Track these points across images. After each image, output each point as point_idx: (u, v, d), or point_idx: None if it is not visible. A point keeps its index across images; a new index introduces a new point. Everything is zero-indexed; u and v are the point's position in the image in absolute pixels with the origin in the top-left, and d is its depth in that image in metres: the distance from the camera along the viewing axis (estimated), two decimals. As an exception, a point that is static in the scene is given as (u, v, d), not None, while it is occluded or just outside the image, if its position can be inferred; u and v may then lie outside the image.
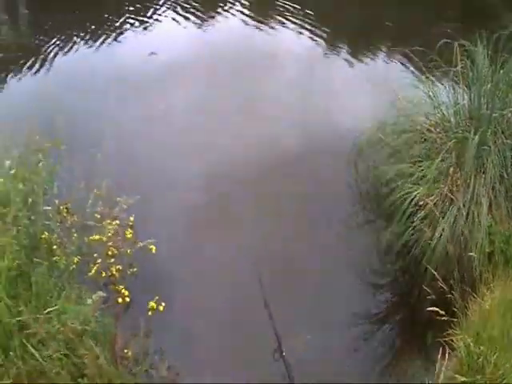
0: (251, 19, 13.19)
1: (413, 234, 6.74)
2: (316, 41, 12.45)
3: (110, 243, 6.67)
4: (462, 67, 7.38)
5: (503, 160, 6.88)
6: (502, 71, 7.20)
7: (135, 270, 6.79)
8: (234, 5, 13.96)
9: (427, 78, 7.93)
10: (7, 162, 6.43)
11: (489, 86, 7.16)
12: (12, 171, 6.37)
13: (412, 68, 10.06)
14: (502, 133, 7.08)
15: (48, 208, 6.47)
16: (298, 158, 9.01)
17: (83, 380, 5.12)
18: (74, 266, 6.28)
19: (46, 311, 5.40)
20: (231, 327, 6.61)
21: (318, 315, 6.78)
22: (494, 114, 6.98)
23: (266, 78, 10.96)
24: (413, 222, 6.72)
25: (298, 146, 9.22)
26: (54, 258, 6.08)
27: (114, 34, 12.80)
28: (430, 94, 7.80)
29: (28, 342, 5.16)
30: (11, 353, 5.05)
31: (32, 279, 5.63)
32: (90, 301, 5.79)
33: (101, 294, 5.96)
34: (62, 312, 5.45)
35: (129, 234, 6.96)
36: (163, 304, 6.29)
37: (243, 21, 13.21)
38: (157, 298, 6.33)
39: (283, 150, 9.15)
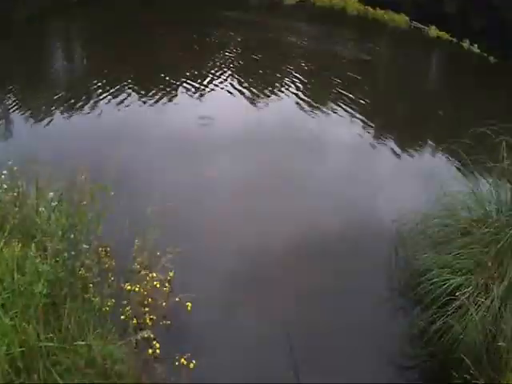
0: (304, 102, 13.29)
1: (444, 322, 6.69)
2: (366, 129, 12.46)
3: (146, 293, 6.79)
4: (507, 164, 7.50)
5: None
6: None
7: (168, 322, 6.82)
8: (289, 86, 14.15)
9: (472, 173, 8.14)
10: (50, 194, 6.68)
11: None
12: (55, 203, 6.56)
13: (457, 162, 10.04)
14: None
15: (87, 247, 6.58)
16: (342, 240, 9.13)
17: None
18: (107, 308, 6.29)
19: (75, 343, 5.35)
20: None
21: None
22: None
23: (314, 162, 11.28)
24: (447, 311, 6.72)
25: (342, 231, 9.33)
26: (88, 295, 6.13)
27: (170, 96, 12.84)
28: (474, 189, 8.01)
29: (54, 368, 5.12)
30: (35, 375, 5.03)
31: (65, 311, 5.63)
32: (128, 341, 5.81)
33: (147, 332, 6.05)
34: (92, 348, 5.39)
35: (166, 288, 7.07)
36: (194, 361, 6.27)
37: (297, 103, 13.34)
38: (188, 354, 6.32)
39: (328, 233, 9.27)
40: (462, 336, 6.46)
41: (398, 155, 11.64)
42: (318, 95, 14.08)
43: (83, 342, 5.45)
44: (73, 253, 6.30)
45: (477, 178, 8.19)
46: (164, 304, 6.88)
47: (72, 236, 6.40)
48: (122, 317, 6.44)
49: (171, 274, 7.30)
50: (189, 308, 6.83)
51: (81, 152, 9.38)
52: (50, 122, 11.65)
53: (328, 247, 8.90)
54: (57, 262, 5.91)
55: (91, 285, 6.27)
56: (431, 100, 14.41)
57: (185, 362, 6.30)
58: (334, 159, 11.24)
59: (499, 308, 6.47)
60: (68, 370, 5.19)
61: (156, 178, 9.76)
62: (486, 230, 7.31)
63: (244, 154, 11.14)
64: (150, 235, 7.00)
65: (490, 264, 6.87)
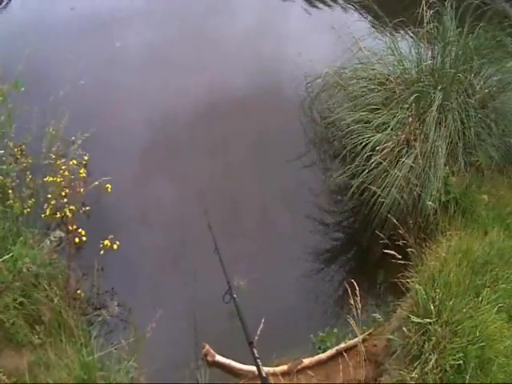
0: None
1: (367, 177, 6.88)
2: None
3: (64, 183, 6.69)
4: (428, 26, 7.41)
5: (464, 117, 7.07)
6: (470, 36, 7.36)
7: (88, 208, 6.90)
8: None
9: (390, 31, 8.03)
10: None
11: (453, 46, 7.33)
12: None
13: (374, 19, 9.75)
14: (464, 91, 7.27)
15: (2, 152, 6.45)
16: (252, 96, 8.96)
17: (40, 327, 5.22)
18: (29, 210, 6.28)
19: (2, 259, 5.29)
20: (178, 266, 6.84)
21: (266, 252, 7.08)
22: (457, 75, 7.16)
23: (223, 20, 10.60)
24: (367, 166, 6.87)
25: (251, 86, 9.11)
26: (9, 202, 6.12)
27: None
28: (393, 46, 7.86)
29: None
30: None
31: None
32: (47, 243, 5.97)
33: (59, 233, 5.97)
34: (19, 258, 5.51)
35: (82, 173, 6.94)
36: (117, 242, 6.41)
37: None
38: (111, 236, 6.42)
39: (236, 88, 9.09)
40: (384, 192, 6.56)
41: (306, 10, 11.11)
42: None
43: (8, 255, 5.30)
44: None
45: (395, 37, 8.04)
46: (82, 190, 6.78)
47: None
48: (44, 215, 6.45)
49: (86, 158, 7.26)
50: (108, 190, 6.81)
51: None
52: None
53: (240, 104, 8.82)
54: None
55: (10, 190, 6.22)
56: None
57: (109, 244, 6.42)
58: (242, 16, 10.67)
59: (424, 166, 6.60)
60: (-2, 290, 5.09)
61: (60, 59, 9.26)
62: (406, 87, 7.35)
63: (150, 21, 10.55)
64: (62, 122, 6.88)
65: (410, 120, 6.93)
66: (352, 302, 5.44)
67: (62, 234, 6.19)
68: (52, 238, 5.97)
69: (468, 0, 7.39)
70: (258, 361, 4.33)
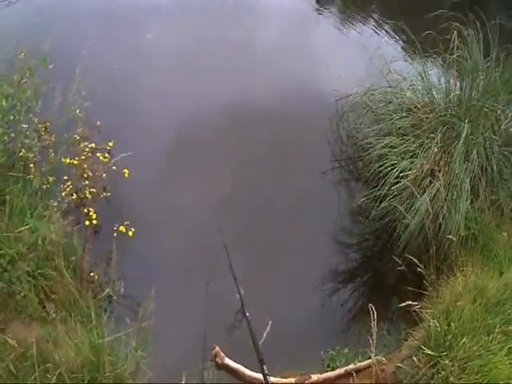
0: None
1: (389, 203, 6.72)
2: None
3: (85, 166, 6.78)
4: (457, 55, 7.46)
5: (489, 154, 7.05)
6: (497, 69, 7.34)
7: (108, 194, 6.92)
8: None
9: (420, 56, 8.00)
10: None
11: (481, 80, 7.29)
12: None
13: (405, 43, 9.76)
14: (490, 127, 7.26)
15: (26, 126, 6.41)
16: (278, 108, 8.88)
17: (51, 303, 5.28)
18: (49, 186, 6.32)
19: (18, 230, 5.48)
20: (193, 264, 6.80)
21: (282, 265, 6.95)
22: (484, 109, 7.17)
23: (253, 30, 10.60)
24: (391, 191, 6.72)
25: (279, 97, 9.00)
26: (29, 177, 6.14)
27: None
28: (422, 73, 7.89)
29: None
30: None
31: (6, 197, 5.67)
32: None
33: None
34: (34, 231, 5.51)
35: (104, 157, 7.05)
36: (132, 229, 6.49)
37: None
38: (127, 222, 6.51)
39: (264, 98, 8.95)
40: (406, 220, 6.53)
41: (339, 29, 11.11)
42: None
43: (24, 227, 5.29)
44: (12, 135, 6.22)
45: (425, 63, 8.01)
46: (104, 175, 6.94)
47: (11, 118, 6.21)
48: (63, 193, 6.45)
49: (111, 143, 7.33)
50: (126, 175, 6.91)
51: (17, 31, 8.57)
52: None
53: (267, 117, 8.75)
54: None
55: (32, 165, 6.27)
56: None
57: (124, 230, 6.51)
58: (273, 28, 10.68)
59: (445, 198, 6.59)
60: (12, 261, 4.98)
61: (93, 44, 9.00)
62: (433, 116, 7.33)
63: (178, 19, 10.55)
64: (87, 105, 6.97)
65: (435, 150, 6.91)
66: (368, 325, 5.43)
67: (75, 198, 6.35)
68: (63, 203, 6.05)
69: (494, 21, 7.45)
70: (268, 378, 4.33)
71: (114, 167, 6.86)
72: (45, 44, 6.82)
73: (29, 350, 4.64)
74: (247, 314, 5.10)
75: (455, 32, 7.39)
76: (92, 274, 6.09)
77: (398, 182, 6.76)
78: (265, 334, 5.62)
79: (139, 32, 9.99)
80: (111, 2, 10.67)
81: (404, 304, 5.75)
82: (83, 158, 6.73)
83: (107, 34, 9.73)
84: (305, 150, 8.41)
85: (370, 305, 5.66)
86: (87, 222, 6.41)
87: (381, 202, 6.82)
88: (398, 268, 6.17)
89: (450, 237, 6.33)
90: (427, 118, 7.36)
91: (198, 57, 9.65)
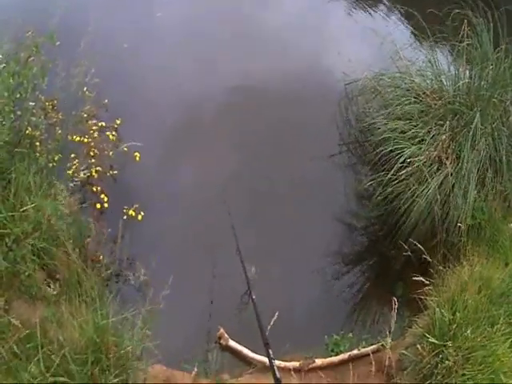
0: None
1: (396, 187, 6.70)
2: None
3: (93, 144, 6.88)
4: (467, 43, 7.38)
5: (498, 144, 7.01)
6: (506, 60, 7.24)
7: (115, 172, 7.00)
8: None
9: (430, 43, 7.92)
10: None
11: (490, 70, 7.25)
12: (1, 66, 6.14)
13: (415, 30, 9.68)
14: (499, 117, 7.20)
15: (32, 104, 6.34)
16: (288, 89, 8.83)
17: (55, 283, 5.25)
18: (55, 164, 6.34)
19: (23, 209, 5.42)
20: (198, 246, 6.82)
21: (288, 248, 6.97)
22: (493, 99, 7.11)
23: (264, 8, 10.42)
24: (399, 176, 6.67)
25: (288, 79, 8.93)
26: (35, 154, 6.11)
27: None
28: (432, 60, 7.82)
29: (3, 242, 5.24)
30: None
31: (11, 175, 5.62)
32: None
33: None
34: (40, 209, 5.49)
35: (112, 136, 7.14)
36: (142, 213, 6.60)
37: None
38: (136, 206, 6.59)
39: (273, 79, 8.88)
40: (413, 205, 6.53)
41: (349, 14, 11.02)
42: None
43: (29, 206, 5.27)
44: (19, 113, 6.15)
45: (434, 49, 7.96)
46: (111, 154, 6.99)
47: (18, 96, 6.13)
48: (70, 171, 6.54)
49: (118, 121, 7.42)
50: (137, 158, 7.04)
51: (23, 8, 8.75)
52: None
53: (276, 98, 8.70)
54: (3, 125, 5.79)
55: (38, 143, 6.26)
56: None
57: (133, 214, 6.60)
58: (285, 8, 10.54)
59: (452, 186, 6.59)
60: (17, 240, 5.02)
61: (102, 22, 8.96)
62: (441, 102, 7.28)
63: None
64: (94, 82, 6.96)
65: (443, 137, 6.88)
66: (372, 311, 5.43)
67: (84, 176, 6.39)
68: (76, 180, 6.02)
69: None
70: (273, 362, 4.30)
71: (125, 148, 6.91)
72: (52, 21, 6.77)
73: (32, 330, 4.62)
74: (253, 297, 5.05)
75: (465, 20, 7.33)
76: (98, 253, 6.10)
77: (405, 167, 6.74)
78: (272, 322, 5.57)
79: (149, 10, 9.88)
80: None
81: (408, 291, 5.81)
82: (91, 136, 6.80)
83: (116, 11, 9.65)
84: (313, 133, 8.36)
85: (393, 298, 5.63)
86: (98, 205, 6.49)
87: (388, 186, 6.80)
88: (404, 254, 6.20)
89: (459, 224, 6.34)
90: (436, 104, 7.31)
91: (208, 36, 9.50)
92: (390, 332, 5.53)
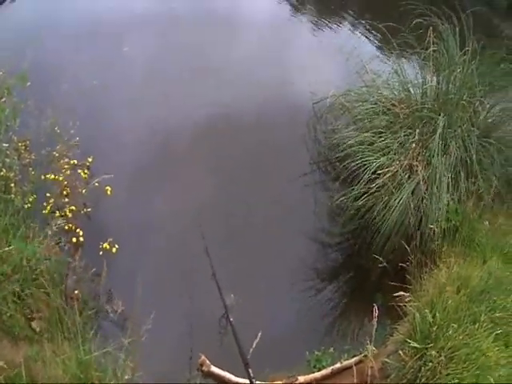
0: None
1: (368, 200, 6.77)
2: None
3: (66, 183, 6.93)
4: (433, 50, 7.56)
5: (468, 145, 7.11)
6: (473, 62, 7.40)
7: (89, 209, 7.01)
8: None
9: (396, 54, 8.10)
10: None
11: (458, 73, 7.40)
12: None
13: (381, 42, 9.81)
14: (469, 119, 7.35)
15: (6, 145, 6.45)
16: (256, 113, 8.98)
17: (37, 322, 5.30)
18: (30, 205, 6.36)
19: (1, 251, 5.26)
20: (176, 275, 6.80)
21: (264, 269, 6.98)
22: (461, 101, 7.27)
23: (228, 38, 10.64)
24: (370, 189, 6.77)
25: (256, 103, 9.13)
26: (11, 196, 6.13)
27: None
28: (398, 70, 7.96)
29: None
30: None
31: None
32: (48, 232, 5.92)
33: (60, 222, 6.14)
34: (19, 251, 5.50)
35: (84, 174, 7.19)
36: (116, 246, 6.60)
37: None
38: (110, 239, 6.61)
39: (241, 104, 9.08)
40: (386, 216, 6.60)
41: (314, 31, 11.17)
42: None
43: (8, 248, 5.28)
44: None
45: (400, 59, 8.17)
46: (84, 191, 7.02)
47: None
48: (44, 211, 6.58)
49: (90, 159, 7.47)
50: (108, 192, 7.04)
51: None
52: None
53: (245, 123, 8.84)
54: None
55: (13, 184, 6.29)
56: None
57: (108, 247, 6.62)
58: (247, 33, 10.78)
59: (425, 192, 6.68)
60: (-4, 282, 5.05)
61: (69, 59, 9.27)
62: (409, 111, 7.43)
63: (154, 31, 10.64)
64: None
65: (413, 145, 6.99)
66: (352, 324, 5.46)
67: (62, 223, 6.20)
68: (53, 228, 5.95)
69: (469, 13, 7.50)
70: (254, 381, 4.33)
71: (96, 184, 6.93)
72: (22, 62, 6.88)
73: (17, 370, 4.64)
74: (231, 320, 5.09)
75: (430, 28, 7.48)
76: (76, 291, 6.04)
77: (375, 179, 6.81)
78: (254, 344, 5.56)
79: (116, 45, 10.04)
80: (86, 17, 10.68)
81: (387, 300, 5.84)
82: (64, 174, 6.82)
83: (85, 49, 9.77)
84: (283, 154, 8.48)
85: (375, 304, 5.65)
86: (74, 239, 6.49)
87: (359, 200, 6.86)
88: (380, 265, 6.25)
89: (431, 226, 6.41)
90: (404, 114, 7.43)
91: (176, 68, 9.70)
92: (371, 341, 5.56)
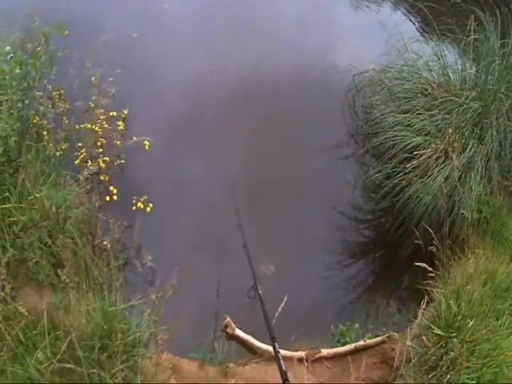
0: None
1: (403, 180, 6.69)
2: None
3: (101, 133, 6.79)
4: (474, 38, 7.36)
5: (503, 138, 7.02)
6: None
7: (122, 161, 6.96)
8: None
9: (437, 37, 7.85)
10: (7, 48, 6.22)
11: (497, 65, 7.24)
12: (10, 55, 6.15)
13: (422, 23, 9.64)
14: (505, 113, 7.18)
15: (40, 93, 6.39)
16: (295, 79, 8.86)
17: (63, 270, 5.16)
18: (62, 153, 6.32)
19: (30, 197, 5.48)
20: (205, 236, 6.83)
21: (294, 240, 6.98)
22: (499, 94, 7.11)
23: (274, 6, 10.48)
24: (405, 168, 6.71)
25: (296, 69, 9.01)
26: (43, 144, 6.12)
27: None
28: (439, 54, 7.81)
29: (10, 229, 5.26)
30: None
31: (19, 164, 5.68)
32: (80, 178, 6.00)
33: (93, 169, 6.16)
34: (48, 198, 5.50)
35: (120, 125, 7.09)
36: (151, 205, 6.54)
37: None
38: (145, 197, 6.54)
39: (280, 69, 8.99)
40: (419, 198, 6.55)
41: (355, 8, 11.00)
42: None
43: (37, 194, 5.27)
44: (27, 101, 6.17)
45: (441, 43, 7.89)
46: (119, 143, 6.95)
47: (26, 85, 6.18)
48: (77, 161, 6.50)
49: (126, 112, 7.41)
50: (146, 147, 6.92)
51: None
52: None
53: (284, 89, 8.69)
54: (11, 114, 5.79)
55: (45, 132, 6.25)
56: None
57: (142, 206, 6.53)
58: (293, 3, 10.58)
59: (459, 178, 6.57)
60: (24, 228, 5.00)
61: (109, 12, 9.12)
62: (448, 95, 7.26)
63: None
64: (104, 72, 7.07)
65: (450, 131, 6.85)
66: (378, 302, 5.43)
67: (95, 170, 6.20)
68: (85, 174, 5.93)
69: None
70: (279, 355, 4.29)
71: (134, 138, 6.85)
72: (59, 12, 6.82)
73: (39, 317, 4.64)
74: (260, 292, 5.04)
75: (472, 16, 7.29)
76: (105, 242, 6.04)
77: (411, 159, 6.75)
78: (280, 308, 5.64)
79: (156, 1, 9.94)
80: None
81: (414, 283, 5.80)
82: (100, 125, 6.76)
83: (124, 3, 9.68)
84: (319, 123, 8.33)
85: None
86: (107, 198, 6.42)
87: (394, 178, 6.80)
88: (411, 244, 6.24)
89: (463, 211, 6.36)
90: (442, 97, 7.29)
91: (215, 28, 9.54)
92: (395, 323, 5.55)
